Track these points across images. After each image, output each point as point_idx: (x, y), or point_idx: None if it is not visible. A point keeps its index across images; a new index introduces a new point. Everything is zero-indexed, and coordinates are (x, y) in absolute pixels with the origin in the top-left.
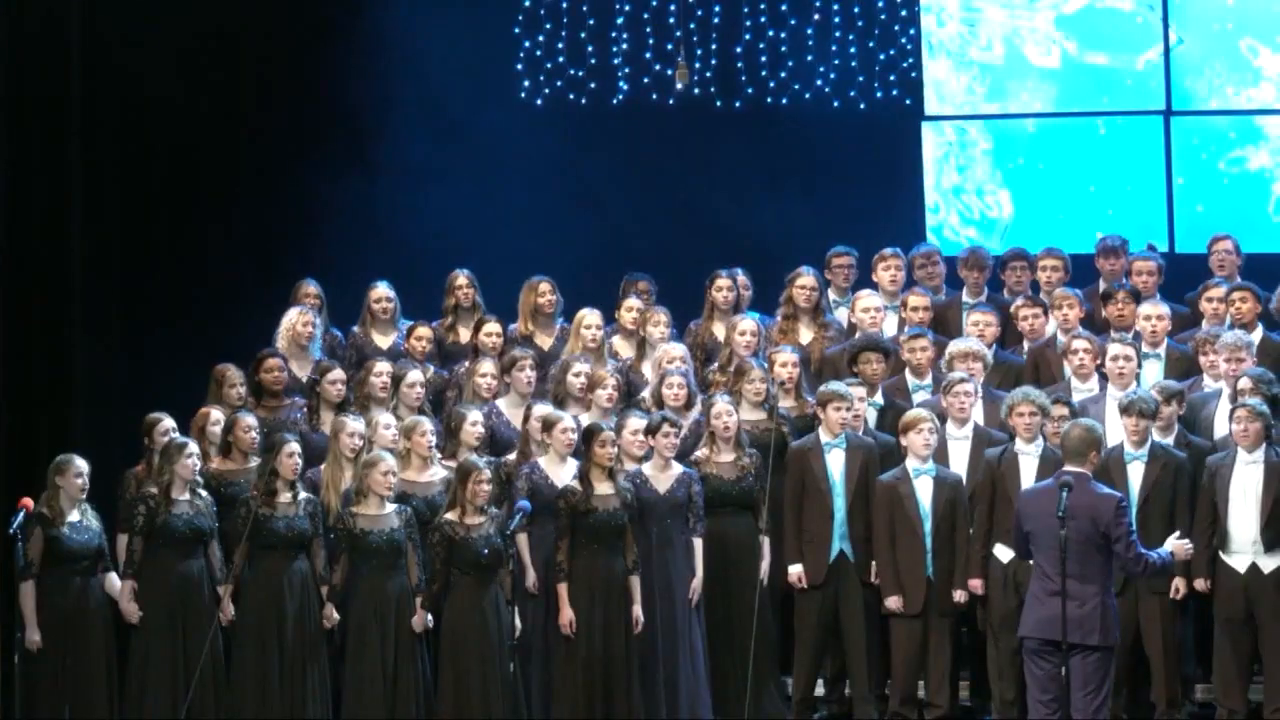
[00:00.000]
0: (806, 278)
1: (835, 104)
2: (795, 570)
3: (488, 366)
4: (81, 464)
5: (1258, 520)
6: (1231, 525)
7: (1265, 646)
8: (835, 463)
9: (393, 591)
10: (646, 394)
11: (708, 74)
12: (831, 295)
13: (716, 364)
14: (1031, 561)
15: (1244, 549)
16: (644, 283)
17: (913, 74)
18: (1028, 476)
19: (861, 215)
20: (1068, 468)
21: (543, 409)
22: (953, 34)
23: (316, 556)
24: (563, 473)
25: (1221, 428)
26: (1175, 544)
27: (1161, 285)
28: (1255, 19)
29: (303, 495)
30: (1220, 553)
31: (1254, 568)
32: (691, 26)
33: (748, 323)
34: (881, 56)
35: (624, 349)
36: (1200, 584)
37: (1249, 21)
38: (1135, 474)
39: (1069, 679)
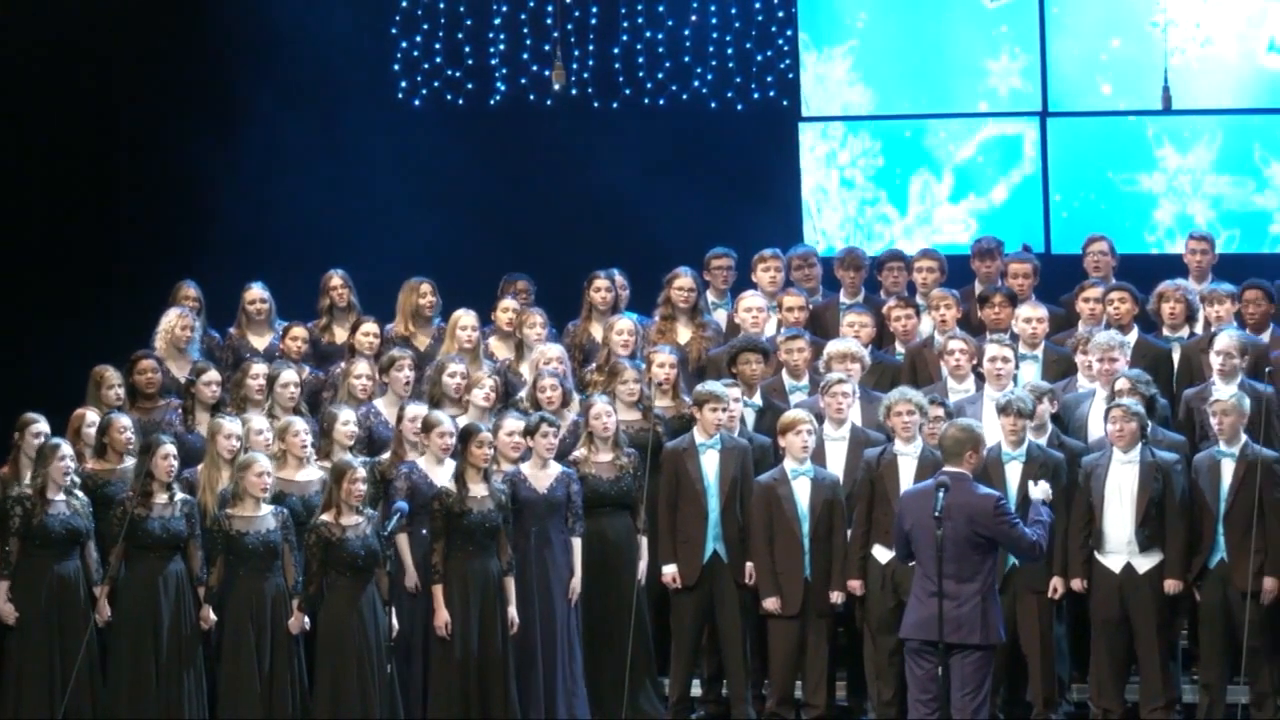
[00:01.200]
0: (684, 279)
1: (713, 105)
2: (669, 571)
3: (363, 367)
4: None
5: (1133, 520)
6: (1107, 525)
7: (1140, 646)
8: (710, 464)
9: (269, 593)
10: (524, 395)
11: (585, 75)
12: (710, 296)
13: (595, 364)
14: (913, 563)
15: (1119, 549)
16: (522, 283)
17: (790, 75)
18: (906, 477)
19: (740, 216)
20: (947, 468)
21: (420, 410)
22: (841, 33)
23: (193, 557)
24: (441, 473)
25: (1095, 428)
26: (1034, 489)
27: (1037, 286)
28: (1121, 20)
29: (179, 496)
30: (1096, 553)
31: (1129, 568)
32: (569, 27)
33: (625, 323)
34: (759, 58)
35: (501, 350)
36: (1076, 584)
37: (1116, 23)
38: (1013, 474)
39: (948, 679)
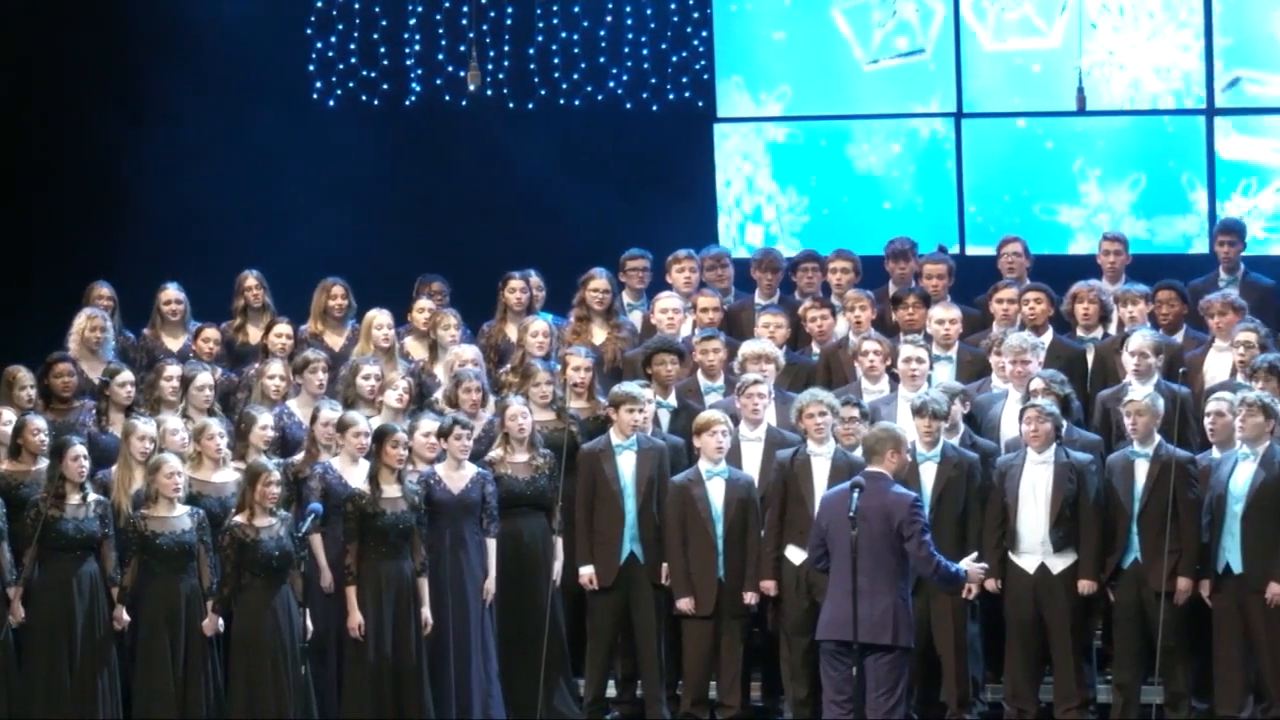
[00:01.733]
0: (599, 280)
1: (628, 106)
2: (586, 571)
3: (277, 368)
4: None
5: (1047, 520)
6: (1021, 526)
7: (1054, 647)
8: (626, 465)
9: (184, 593)
10: (439, 395)
11: (500, 75)
12: (626, 297)
13: (510, 365)
14: (820, 566)
15: (1033, 549)
16: (437, 284)
17: (705, 76)
18: (819, 478)
19: (655, 217)
20: (868, 468)
21: (334, 411)
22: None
23: (106, 558)
24: (355, 474)
25: (1009, 428)
26: (971, 565)
27: (952, 287)
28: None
29: (92, 497)
30: (1010, 553)
31: (1043, 568)
32: (484, 28)
33: (539, 324)
34: (674, 59)
35: (416, 350)
36: (991, 584)
37: (1030, 24)
38: (928, 475)
39: (863, 679)
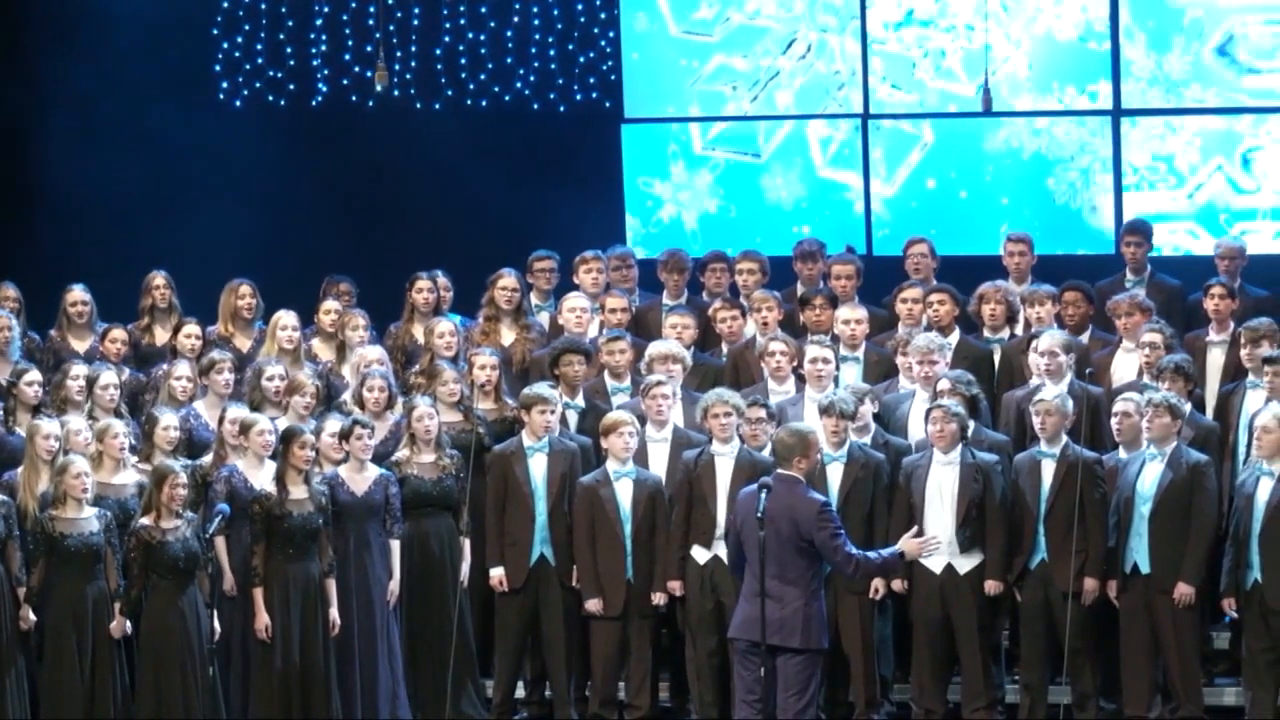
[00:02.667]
0: (508, 279)
1: (535, 106)
2: (496, 573)
3: (183, 369)
4: None
5: (953, 521)
6: (928, 526)
7: (961, 647)
8: (538, 466)
9: (91, 595)
10: (347, 396)
11: (407, 76)
12: (533, 298)
13: (417, 366)
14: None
15: (940, 550)
16: (344, 285)
17: (612, 76)
18: (723, 478)
19: (563, 218)
20: (778, 471)
21: (239, 412)
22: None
23: (11, 559)
24: (261, 476)
25: (916, 429)
26: (909, 542)
27: (860, 288)
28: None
29: None
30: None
31: (950, 568)
32: (391, 28)
33: (446, 325)
34: (581, 59)
35: (323, 351)
36: (898, 585)
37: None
38: (835, 475)
39: (772, 680)
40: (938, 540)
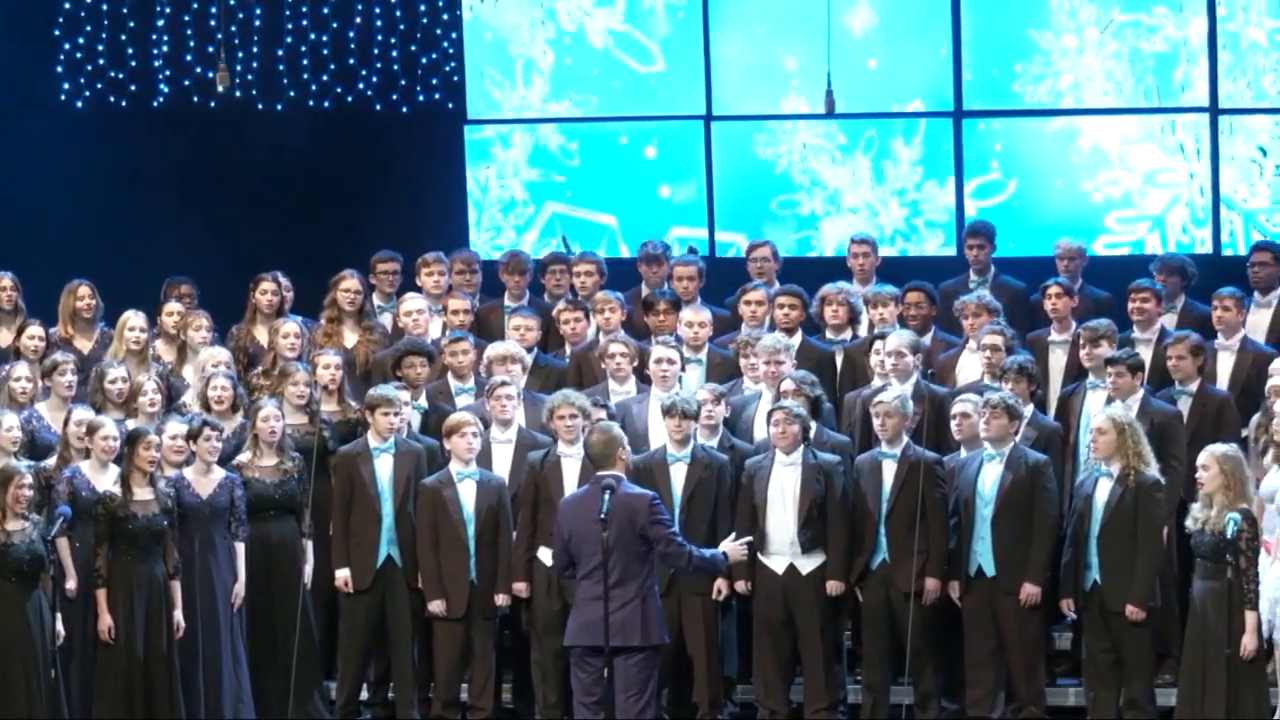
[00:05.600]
0: (350, 281)
1: (378, 107)
2: (342, 574)
3: (23, 370)
4: None
5: (795, 521)
6: (770, 527)
7: (804, 647)
8: (384, 468)
9: None
10: (189, 398)
11: (249, 77)
12: (376, 300)
13: (260, 368)
14: (569, 573)
15: (782, 550)
16: (185, 286)
17: (455, 78)
18: (570, 479)
19: (406, 219)
20: (603, 472)
21: (85, 414)
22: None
23: None
24: (104, 478)
25: (761, 430)
26: (730, 545)
27: (703, 288)
28: (786, 27)
29: None
30: (759, 554)
31: (792, 569)
32: (233, 29)
33: (290, 326)
34: (424, 60)
35: (166, 353)
36: (741, 585)
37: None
38: (678, 475)
39: (612, 681)
40: (747, 544)
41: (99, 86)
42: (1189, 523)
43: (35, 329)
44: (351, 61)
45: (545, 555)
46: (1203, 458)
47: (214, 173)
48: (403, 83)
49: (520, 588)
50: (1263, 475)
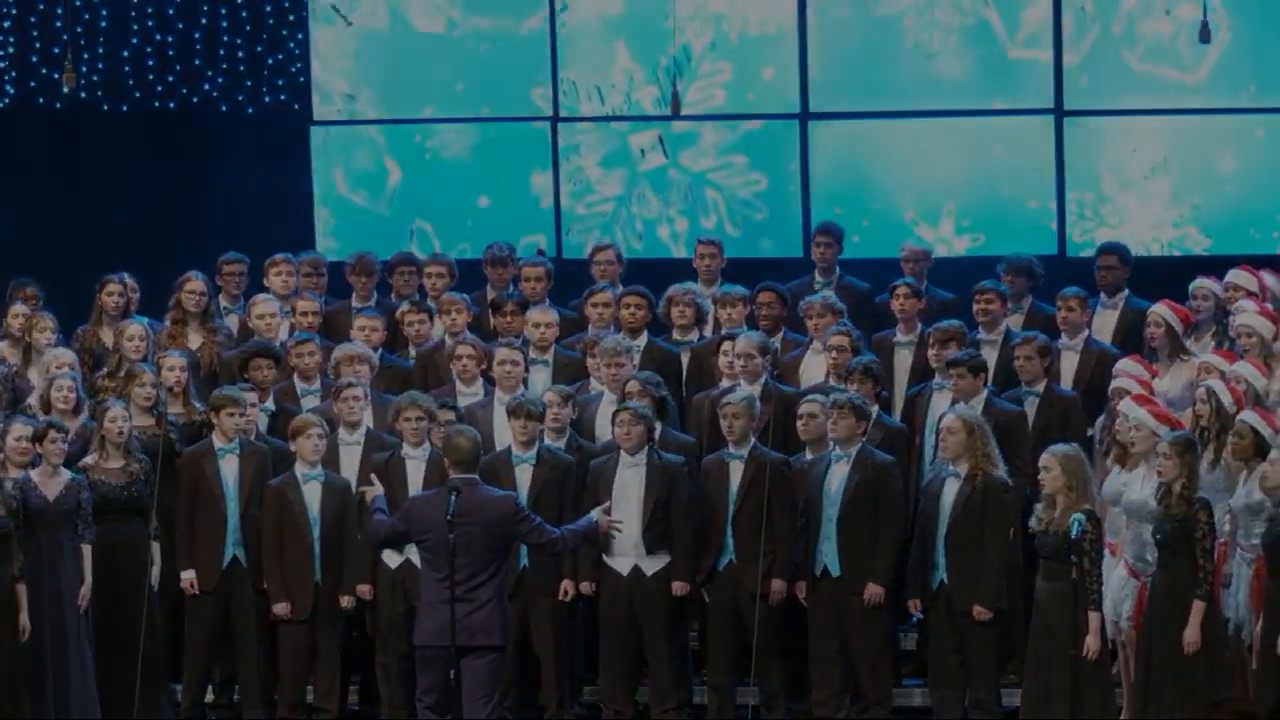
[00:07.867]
0: (195, 282)
1: (223, 108)
2: (187, 576)
3: None
4: None
5: (640, 522)
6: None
7: (649, 648)
8: (229, 469)
9: None
10: (33, 400)
11: (95, 78)
12: (223, 301)
13: (106, 369)
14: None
15: (627, 551)
16: (30, 288)
17: (300, 79)
18: (415, 480)
19: (253, 220)
20: (458, 475)
21: None
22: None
23: None
24: None
25: (605, 430)
26: (599, 515)
27: (550, 289)
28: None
29: None
30: (604, 555)
31: (636, 570)
32: (78, 30)
33: (135, 327)
34: (270, 61)
35: (10, 355)
36: (585, 586)
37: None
38: (523, 476)
39: (460, 682)
40: (622, 522)
41: None
42: (1032, 523)
43: None
44: (197, 62)
45: (389, 557)
46: (1044, 459)
47: (60, 173)
48: (248, 84)
49: (364, 590)
50: (1106, 476)
